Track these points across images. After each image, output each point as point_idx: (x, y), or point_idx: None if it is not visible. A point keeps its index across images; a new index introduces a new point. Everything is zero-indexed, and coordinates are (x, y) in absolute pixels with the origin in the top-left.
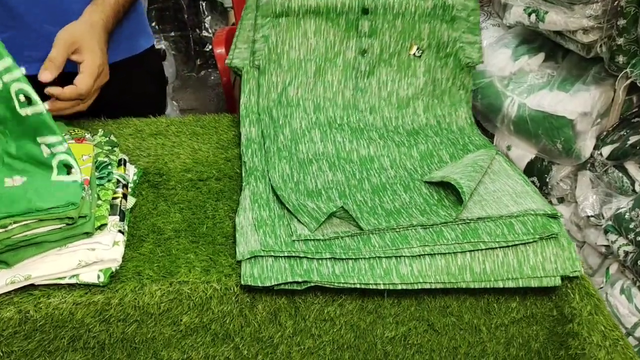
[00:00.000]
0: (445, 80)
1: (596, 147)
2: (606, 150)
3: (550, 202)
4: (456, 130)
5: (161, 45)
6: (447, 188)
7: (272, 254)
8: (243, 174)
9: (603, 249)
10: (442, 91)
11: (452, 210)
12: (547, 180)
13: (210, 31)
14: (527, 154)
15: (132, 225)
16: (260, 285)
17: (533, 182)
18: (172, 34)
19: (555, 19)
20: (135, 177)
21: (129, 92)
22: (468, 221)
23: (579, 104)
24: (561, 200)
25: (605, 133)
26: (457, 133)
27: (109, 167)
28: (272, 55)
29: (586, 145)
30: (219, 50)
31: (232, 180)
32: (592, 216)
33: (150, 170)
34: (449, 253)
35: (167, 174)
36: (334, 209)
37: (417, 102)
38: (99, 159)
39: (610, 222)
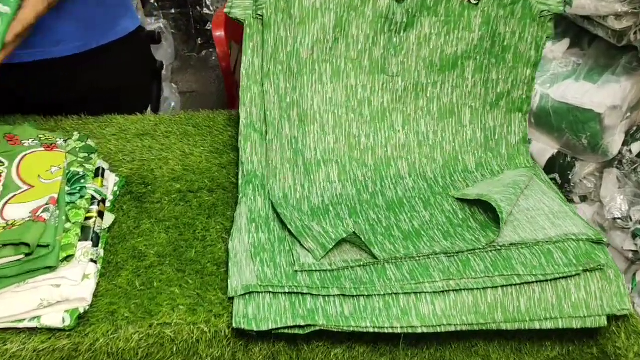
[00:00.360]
0: (510, 35)
1: (625, 144)
2: (636, 147)
3: (572, 200)
4: (501, 110)
5: (159, 23)
6: (472, 204)
7: (271, 289)
8: (240, 180)
9: (630, 254)
10: (503, 48)
11: (479, 234)
12: (570, 177)
13: (211, 8)
14: (548, 148)
15: (109, 249)
16: (255, 329)
17: (554, 179)
18: (172, 11)
19: (584, 3)
20: (115, 188)
21: (113, 81)
22: (499, 247)
23: (608, 96)
24: (584, 198)
25: (635, 128)
26: (496, 120)
27: (83, 180)
28: (279, 2)
29: (614, 141)
30: (219, 33)
31: (227, 192)
32: (619, 218)
33: (134, 178)
34: (477, 288)
35: (153, 183)
36: (344, 235)
37: (467, 62)
38: (72, 169)
39: (639, 226)
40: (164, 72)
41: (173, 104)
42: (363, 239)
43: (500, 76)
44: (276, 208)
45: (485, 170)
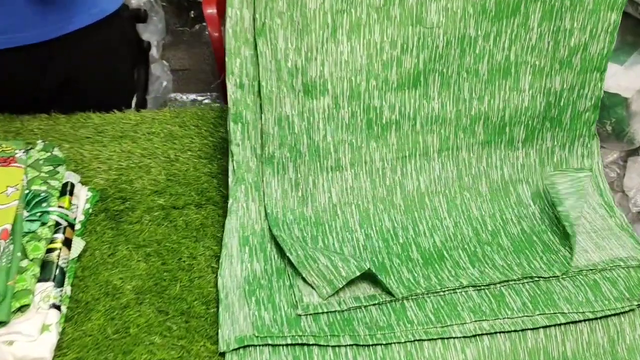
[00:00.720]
0: None
1: None
2: None
3: None
4: (573, 69)
5: None
6: (503, 210)
7: (270, 340)
8: (230, 178)
9: None
10: None
11: (511, 259)
12: None
13: None
14: None
15: (78, 284)
16: None
17: None
18: None
19: None
20: (87, 206)
21: (93, 70)
22: (537, 278)
23: (637, 78)
24: None
25: None
26: (565, 82)
27: (45, 202)
28: None
29: None
30: (210, 11)
31: (218, 207)
32: None
33: (110, 192)
34: (515, 331)
35: (132, 198)
36: (357, 272)
37: (532, 5)
38: (34, 187)
39: None
40: (154, 51)
41: (165, 83)
42: (377, 262)
43: (575, 24)
44: (272, 229)
45: (533, 146)
